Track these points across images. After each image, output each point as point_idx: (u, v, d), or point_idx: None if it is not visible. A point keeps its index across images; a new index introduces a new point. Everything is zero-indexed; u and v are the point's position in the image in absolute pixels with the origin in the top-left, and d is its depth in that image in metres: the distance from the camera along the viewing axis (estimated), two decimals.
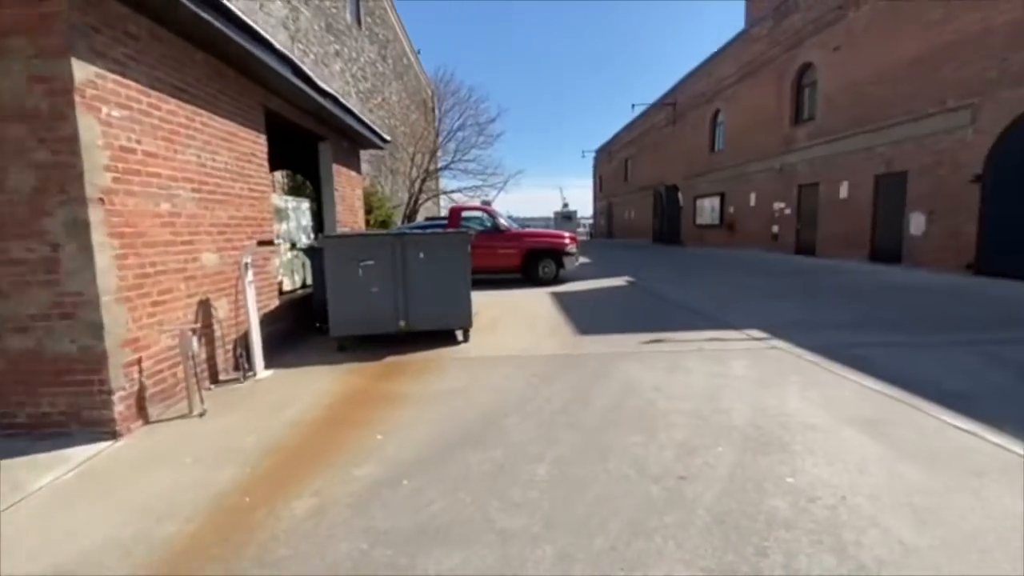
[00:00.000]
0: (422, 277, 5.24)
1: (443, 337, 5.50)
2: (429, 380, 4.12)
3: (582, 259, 16.30)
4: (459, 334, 5.63)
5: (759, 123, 17.07)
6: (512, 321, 6.56)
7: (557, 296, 8.57)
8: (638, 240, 29.94)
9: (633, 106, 26.04)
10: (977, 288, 7.91)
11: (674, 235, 24.53)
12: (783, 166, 15.68)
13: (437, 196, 28.15)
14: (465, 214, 10.93)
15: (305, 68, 5.44)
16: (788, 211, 15.51)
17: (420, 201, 24.39)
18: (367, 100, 16.37)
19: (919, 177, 10.64)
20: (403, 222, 20.44)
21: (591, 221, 51.95)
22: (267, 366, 4.59)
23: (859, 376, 3.83)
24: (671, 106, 24.62)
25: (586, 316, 6.73)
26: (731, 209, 19.22)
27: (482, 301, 8.25)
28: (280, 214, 6.59)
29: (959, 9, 9.57)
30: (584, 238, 46.22)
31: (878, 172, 11.78)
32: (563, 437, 2.90)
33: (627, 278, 10.83)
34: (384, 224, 15.00)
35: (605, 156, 39.73)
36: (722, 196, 19.85)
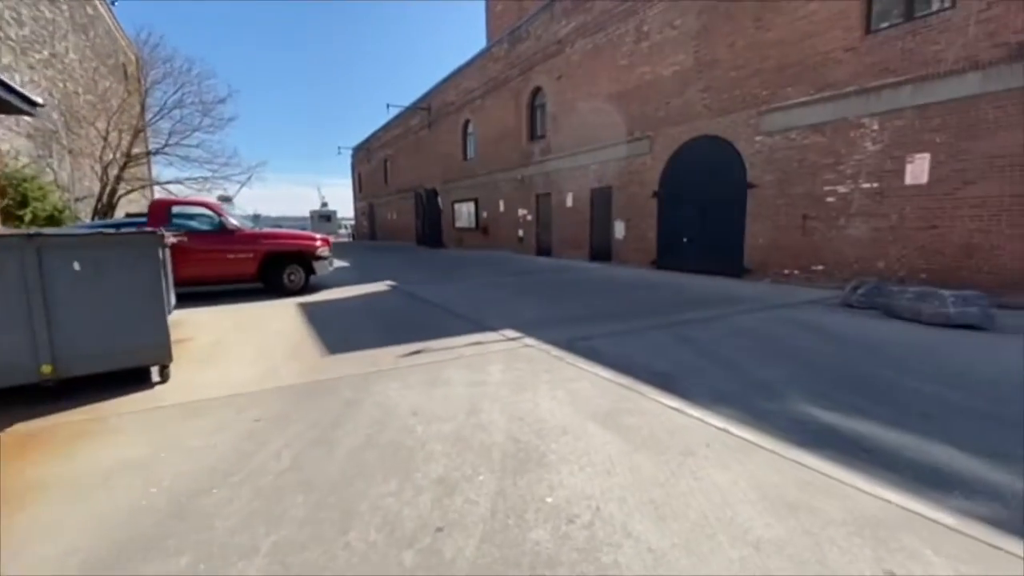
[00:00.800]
0: (80, 297, 3.65)
1: (126, 380, 3.97)
2: (87, 453, 2.79)
3: (339, 263, 15.03)
4: (154, 372, 4.18)
5: (503, 136, 18.72)
6: (241, 344, 5.29)
7: (305, 308, 7.44)
8: (402, 242, 29.69)
9: (388, 106, 25.55)
10: (659, 279, 10.13)
11: (436, 237, 25.10)
12: (523, 177, 17.54)
13: (150, 187, 22.30)
14: (177, 210, 8.62)
15: None
16: (530, 217, 17.43)
17: (120, 193, 18.91)
18: (25, 53, 11.65)
19: (620, 191, 13.18)
20: (94, 219, 15.51)
21: (353, 222, 49.47)
22: None
23: (595, 367, 4.20)
24: (426, 110, 25.08)
25: (339, 330, 5.93)
26: (485, 214, 20.64)
27: (203, 320, 6.56)
28: None
29: (638, 60, 12.16)
30: (346, 240, 43.70)
31: (593, 186, 14.17)
32: (292, 507, 2.20)
33: (389, 282, 10.29)
34: (53, 221, 10.96)
35: (364, 155, 38.21)
36: (476, 201, 21.15)
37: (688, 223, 11.16)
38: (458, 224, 23.10)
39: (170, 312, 5.72)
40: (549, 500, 2.20)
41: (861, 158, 7.99)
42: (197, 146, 20.90)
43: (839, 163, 8.28)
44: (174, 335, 5.70)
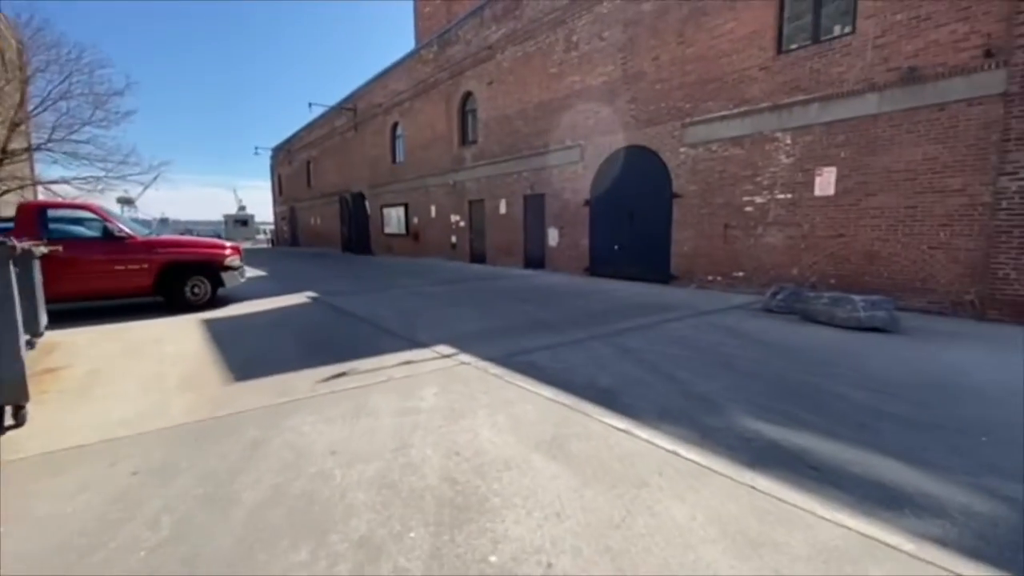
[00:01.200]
0: None
1: None
2: None
3: (255, 272, 13.87)
4: (7, 413, 3.40)
5: (434, 140, 18.25)
6: (126, 373, 4.51)
7: (211, 325, 6.61)
8: (327, 249, 28.15)
9: (311, 105, 24.13)
10: (592, 286, 10.19)
11: (364, 244, 24.02)
12: (455, 183, 17.18)
13: (31, 187, 19.47)
14: (53, 214, 7.40)
15: None
16: (463, 223, 17.08)
17: None
18: None
19: (553, 199, 13.20)
20: None
21: (272, 227, 46.44)
22: None
23: (536, 385, 3.96)
24: (352, 111, 23.99)
25: (249, 351, 5.26)
26: (415, 220, 20.00)
27: (84, 343, 5.62)
28: None
29: (568, 69, 12.27)
30: (264, 246, 40.91)
31: (526, 193, 14.10)
32: None
33: (310, 293, 9.51)
34: None
35: (284, 156, 35.93)
36: (406, 206, 20.46)
37: (619, 231, 11.36)
38: (387, 230, 22.23)
39: (38, 335, 4.82)
40: (493, 559, 1.89)
41: (776, 170, 8.47)
42: (87, 142, 18.55)
43: (756, 175, 8.74)
44: (44, 363, 4.82)
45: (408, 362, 4.69)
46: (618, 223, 11.35)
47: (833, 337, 5.66)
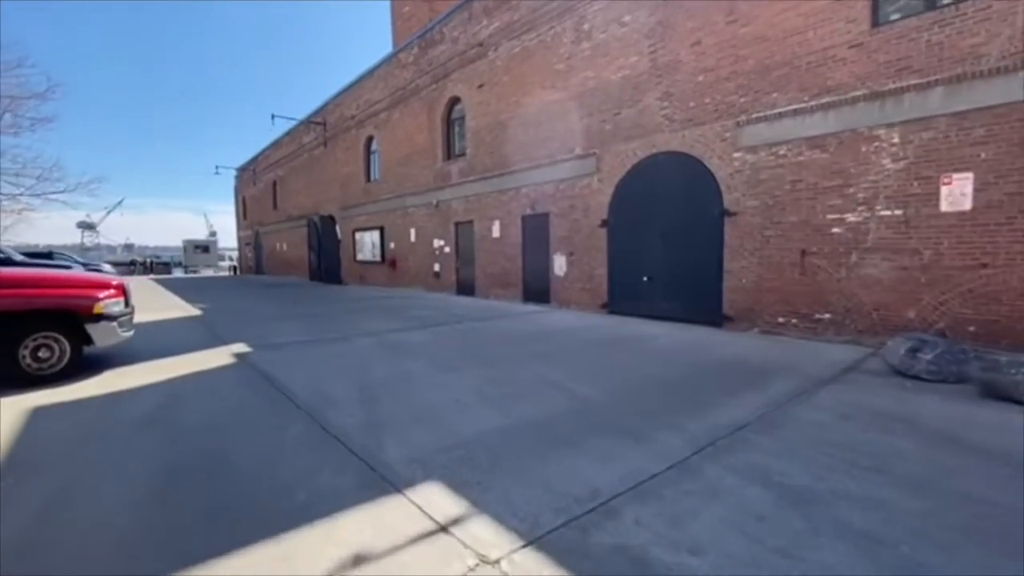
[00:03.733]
0: None
1: None
2: None
3: (189, 311, 11.07)
4: None
5: (414, 155, 15.92)
6: None
7: (32, 424, 3.91)
8: (293, 277, 25.27)
9: (273, 118, 21.54)
10: (623, 330, 7.76)
11: (333, 272, 21.29)
12: (439, 202, 14.80)
13: None
14: None
15: None
16: (448, 249, 14.62)
17: None
18: None
19: (559, 219, 10.89)
20: None
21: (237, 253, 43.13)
22: None
23: None
24: (321, 125, 21.58)
25: (32, 515, 2.62)
26: (392, 245, 17.47)
27: None
28: None
29: (578, 63, 10.14)
30: (225, 274, 37.74)
31: (525, 213, 11.77)
32: None
33: (239, 347, 6.84)
34: None
35: (249, 176, 33.14)
36: (382, 230, 17.93)
37: (648, 258, 9.04)
38: (360, 256, 19.59)
39: None
40: None
41: (877, 179, 6.31)
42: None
43: (847, 185, 6.57)
44: None
45: (357, 559, 2.13)
46: (647, 248, 9.05)
47: None
